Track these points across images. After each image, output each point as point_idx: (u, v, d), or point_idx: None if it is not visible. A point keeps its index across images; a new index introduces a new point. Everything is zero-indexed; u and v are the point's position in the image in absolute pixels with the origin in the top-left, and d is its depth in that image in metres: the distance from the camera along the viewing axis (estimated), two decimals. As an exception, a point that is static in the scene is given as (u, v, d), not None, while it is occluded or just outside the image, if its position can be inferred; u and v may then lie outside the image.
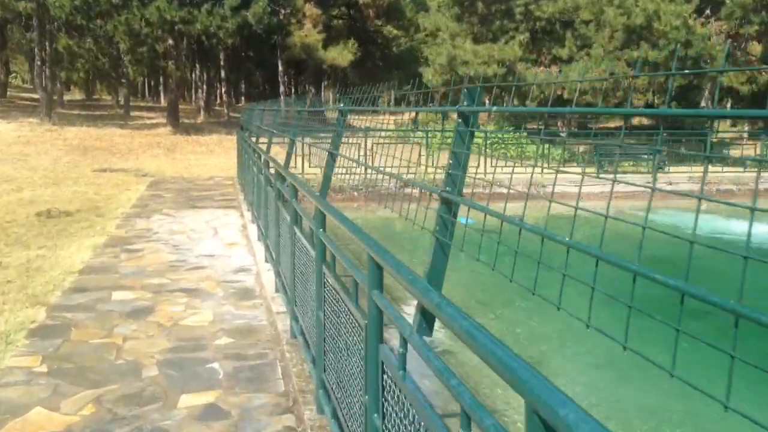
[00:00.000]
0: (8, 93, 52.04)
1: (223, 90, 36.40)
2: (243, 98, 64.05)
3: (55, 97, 44.02)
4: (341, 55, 31.78)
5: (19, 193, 12.64)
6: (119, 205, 11.47)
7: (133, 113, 40.82)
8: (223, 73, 35.03)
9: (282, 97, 35.58)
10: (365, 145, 16.92)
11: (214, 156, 20.65)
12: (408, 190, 5.02)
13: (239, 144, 15.30)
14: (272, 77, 58.83)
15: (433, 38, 34.18)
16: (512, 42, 25.86)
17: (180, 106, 50.49)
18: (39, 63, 25.22)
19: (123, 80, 25.71)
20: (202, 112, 36.07)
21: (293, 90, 50.47)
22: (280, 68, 34.61)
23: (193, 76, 50.25)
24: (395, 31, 40.97)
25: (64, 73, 23.54)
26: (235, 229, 9.37)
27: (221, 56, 30.76)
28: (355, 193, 16.48)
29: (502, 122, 28.78)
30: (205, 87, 36.38)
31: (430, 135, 19.49)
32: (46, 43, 24.72)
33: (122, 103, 38.19)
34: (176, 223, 9.60)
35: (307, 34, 31.48)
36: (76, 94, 66.18)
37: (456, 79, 24.87)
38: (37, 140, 21.39)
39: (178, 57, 24.76)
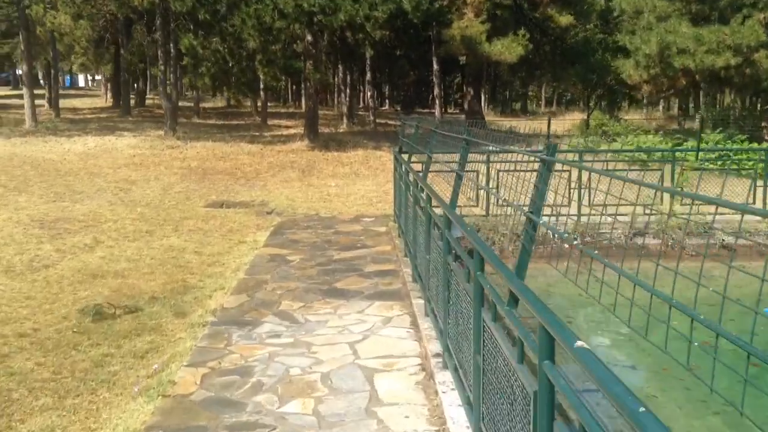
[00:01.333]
0: (149, 101, 52.39)
1: (368, 94, 32.62)
2: (387, 102, 60.91)
3: (190, 105, 43.00)
4: (509, 48, 26.87)
5: (91, 253, 9.08)
6: (220, 282, 7.52)
7: (271, 121, 38.45)
8: (368, 74, 31.19)
9: (437, 102, 31.26)
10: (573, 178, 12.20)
11: (360, 180, 16.57)
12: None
13: (397, 174, 10.94)
14: (422, 78, 55.03)
15: (632, 23, 28.48)
16: (750, 21, 19.56)
17: (320, 112, 47.93)
18: (162, 68, 22.58)
19: (255, 85, 22.43)
20: (344, 120, 32.60)
21: (450, 93, 46.15)
22: (435, 67, 30.25)
23: (335, 78, 47.46)
24: (568, 19, 35.35)
25: (187, 79, 20.49)
26: (406, 373, 4.86)
27: (367, 54, 26.83)
28: (566, 245, 11.46)
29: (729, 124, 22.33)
30: (348, 90, 32.88)
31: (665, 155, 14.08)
32: (171, 45, 22.00)
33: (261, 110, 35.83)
34: (298, 352, 5.38)
35: (468, 24, 26.91)
36: (219, 102, 66.45)
37: (672, 73, 19.35)
38: (153, 160, 18.47)
39: (317, 56, 21.09)
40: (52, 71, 35.60)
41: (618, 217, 10.38)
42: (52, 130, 27.35)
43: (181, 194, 14.50)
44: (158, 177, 16.39)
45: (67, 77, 78.83)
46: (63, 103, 47.85)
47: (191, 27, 21.16)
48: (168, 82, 23.33)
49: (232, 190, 15.18)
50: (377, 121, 32.16)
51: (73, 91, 71.95)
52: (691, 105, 53.49)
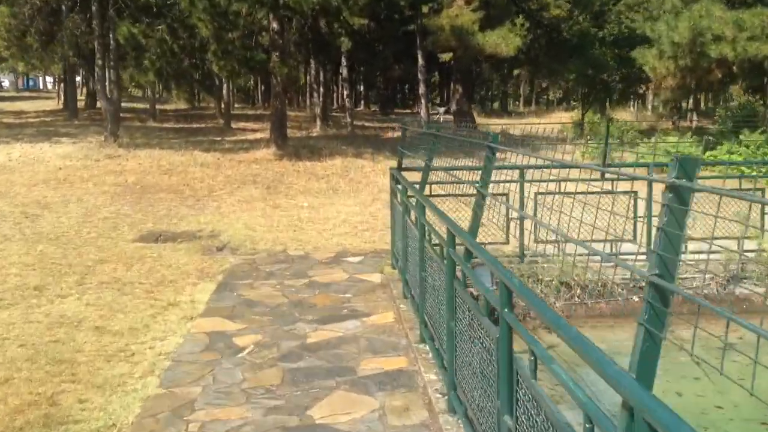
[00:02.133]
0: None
1: (344, 92, 29.58)
2: (363, 102, 57.84)
3: (146, 107, 39.51)
4: (505, 40, 24.03)
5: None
6: (112, 409, 4.57)
7: (236, 124, 35.28)
8: (344, 71, 28.06)
9: (423, 102, 28.30)
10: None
11: (339, 198, 13.58)
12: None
13: (397, 201, 7.97)
14: (401, 76, 52.01)
15: (647, 9, 25.90)
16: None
17: (290, 113, 44.71)
18: (100, 62, 19.28)
19: (212, 83, 19.10)
20: (318, 122, 29.48)
21: (438, 92, 42.93)
22: (420, 62, 27.27)
23: (307, 75, 44.26)
24: (564, 9, 32.72)
25: (127, 74, 17.24)
26: None
27: (343, 47, 23.67)
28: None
29: None
30: (321, 89, 29.76)
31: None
32: (110, 36, 18.70)
33: (224, 112, 32.63)
34: None
35: (458, 12, 24.01)
36: (181, 103, 62.97)
37: (706, 63, 16.71)
38: (82, 174, 15.25)
39: (284, 47, 17.99)
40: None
41: (707, 255, 7.49)
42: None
43: (106, 222, 11.30)
44: (83, 197, 13.16)
45: (27, 79, 74.41)
46: (8, 106, 44.19)
47: (132, 13, 17.93)
48: (109, 79, 20.03)
49: (176, 215, 12.01)
50: (354, 123, 29.12)
51: (29, 94, 67.80)
52: (686, 102, 51.37)
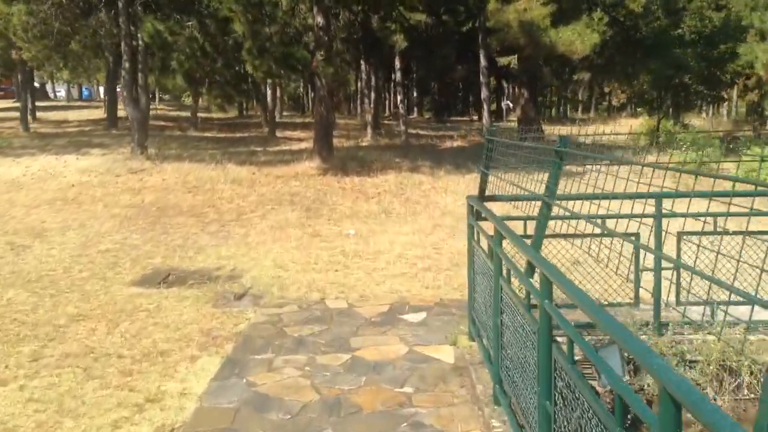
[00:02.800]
0: (157, 111, 47.53)
1: (397, 98, 27.37)
2: (416, 109, 55.53)
3: (186, 115, 38.03)
4: (581, 36, 21.40)
5: None
6: None
7: (282, 133, 33.52)
8: (398, 74, 25.78)
9: (485, 107, 25.81)
10: None
11: (393, 224, 11.33)
12: None
13: (480, 248, 5.54)
14: (461, 80, 49.51)
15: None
16: None
17: (339, 120, 42.77)
18: (126, 65, 17.51)
19: (245, 87, 17.08)
20: (368, 130, 27.31)
21: (503, 95, 40.03)
22: (482, 63, 24.83)
23: (358, 80, 42.19)
24: (638, 5, 29.82)
25: (152, 78, 15.35)
26: None
27: (397, 46, 21.40)
28: None
29: None
30: (372, 94, 27.60)
31: None
32: (138, 35, 16.89)
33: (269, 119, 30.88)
34: None
35: (526, 6, 21.48)
36: (232, 110, 61.89)
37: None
38: (94, 193, 13.42)
39: (330, 45, 15.84)
40: (20, 77, 30.94)
41: None
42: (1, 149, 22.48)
43: (105, 256, 9.26)
44: (86, 222, 11.20)
45: (81, 89, 74.58)
46: (54, 115, 43.51)
47: (160, 8, 16.09)
48: (136, 83, 18.24)
49: (193, 245, 9.91)
50: (408, 131, 26.83)
51: (81, 104, 67.77)
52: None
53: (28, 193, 13.77)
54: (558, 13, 21.99)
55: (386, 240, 10.24)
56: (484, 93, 25.77)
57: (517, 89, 27.30)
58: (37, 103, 57.91)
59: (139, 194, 13.48)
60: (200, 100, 68.05)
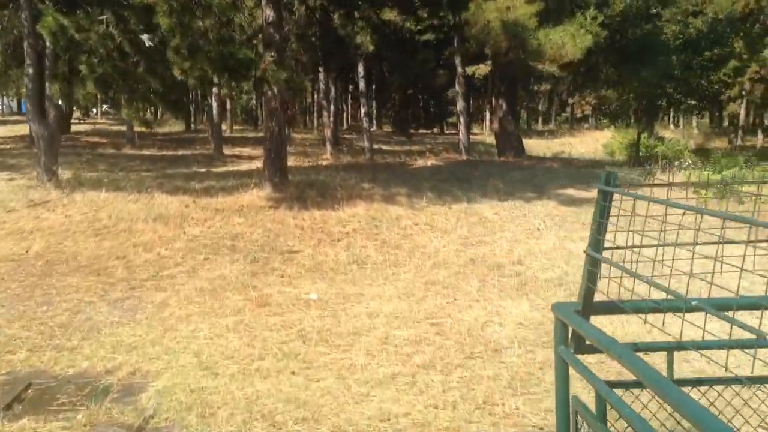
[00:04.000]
0: (80, 126, 43.76)
1: (360, 109, 24.58)
2: (375, 122, 52.77)
3: (123, 129, 34.54)
4: (574, 38, 18.91)
5: None
6: None
7: (232, 150, 30.41)
8: (361, 82, 22.91)
9: (462, 122, 23.13)
10: None
11: (369, 280, 8.63)
12: None
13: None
14: (427, 89, 46.86)
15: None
16: None
17: (295, 134, 39.74)
18: (29, 70, 14.32)
19: (174, 97, 13.92)
20: (328, 147, 24.38)
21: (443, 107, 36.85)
22: (459, 70, 22.16)
23: (314, 91, 39.24)
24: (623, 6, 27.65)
25: (55, 86, 12.20)
26: None
27: (365, 47, 18.46)
28: None
29: None
30: (332, 106, 24.73)
31: None
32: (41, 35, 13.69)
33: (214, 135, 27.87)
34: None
35: (510, 4, 18.90)
36: (177, 125, 58.32)
37: None
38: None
39: (282, 45, 12.96)
40: None
41: None
42: None
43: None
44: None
45: (21, 102, 69.62)
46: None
47: (66, 2, 13.01)
48: (43, 93, 15.02)
49: (80, 327, 6.88)
50: (373, 147, 24.01)
51: (17, 118, 63.04)
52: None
53: None
54: (544, 12, 19.52)
55: (363, 310, 7.35)
56: (460, 104, 23.09)
57: (494, 100, 24.75)
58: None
59: (28, 239, 10.31)
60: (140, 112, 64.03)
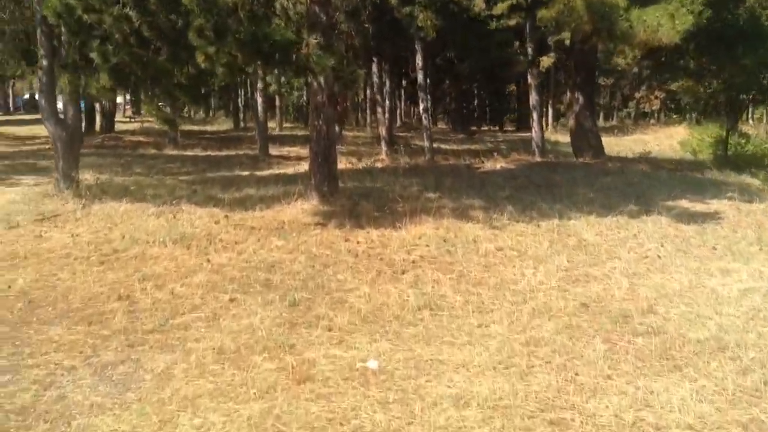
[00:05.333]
0: (126, 125, 42.66)
1: (420, 105, 22.36)
2: (429, 118, 50.31)
3: (200, 129, 32.98)
4: (672, 20, 16.31)
5: None
6: None
7: (280, 150, 28.56)
8: (419, 74, 20.65)
9: (535, 118, 20.70)
10: None
11: (450, 342, 6.31)
12: None
13: None
14: (488, 83, 44.25)
15: None
16: None
17: (345, 132, 37.75)
18: (44, 62, 12.61)
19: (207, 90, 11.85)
20: (383, 146, 22.23)
21: (501, 103, 34.01)
22: (531, 54, 19.66)
23: (367, 86, 37.11)
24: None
25: (64, 78, 10.35)
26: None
27: (426, 32, 16.14)
28: None
29: None
30: (387, 101, 22.57)
31: None
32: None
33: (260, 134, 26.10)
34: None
35: (594, -19, 16.39)
36: (226, 123, 57.12)
37: None
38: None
39: (330, 27, 10.91)
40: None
41: None
42: None
43: None
44: None
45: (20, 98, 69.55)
46: (22, 131, 38.70)
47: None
48: (66, 89, 13.26)
49: (47, 413, 4.97)
50: (434, 147, 21.74)
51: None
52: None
53: None
54: (635, -10, 16.94)
55: (445, 391, 5.17)
56: (533, 98, 20.58)
57: (569, 93, 22.22)
58: (21, 117, 53.50)
59: (17, 268, 8.42)
60: (192, 110, 63.24)
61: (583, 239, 9.50)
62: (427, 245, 9.24)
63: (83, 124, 36.66)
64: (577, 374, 5.45)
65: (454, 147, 27.79)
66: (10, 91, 64.82)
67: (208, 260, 8.58)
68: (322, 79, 11.40)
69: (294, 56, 9.36)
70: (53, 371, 5.68)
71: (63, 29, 12.32)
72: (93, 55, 10.59)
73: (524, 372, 5.51)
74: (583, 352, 5.89)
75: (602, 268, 8.27)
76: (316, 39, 9.87)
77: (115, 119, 41.17)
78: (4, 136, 37.10)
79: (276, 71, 26.24)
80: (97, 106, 39.18)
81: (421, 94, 21.54)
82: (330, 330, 6.49)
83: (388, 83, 23.88)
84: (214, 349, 6.05)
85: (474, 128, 40.97)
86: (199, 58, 8.91)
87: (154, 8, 10.49)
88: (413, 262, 8.59)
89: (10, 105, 65.02)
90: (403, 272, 8.20)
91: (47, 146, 29.36)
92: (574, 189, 13.31)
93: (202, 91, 10.24)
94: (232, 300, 7.28)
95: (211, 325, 6.65)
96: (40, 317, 6.83)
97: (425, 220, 10.37)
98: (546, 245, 9.19)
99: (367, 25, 17.58)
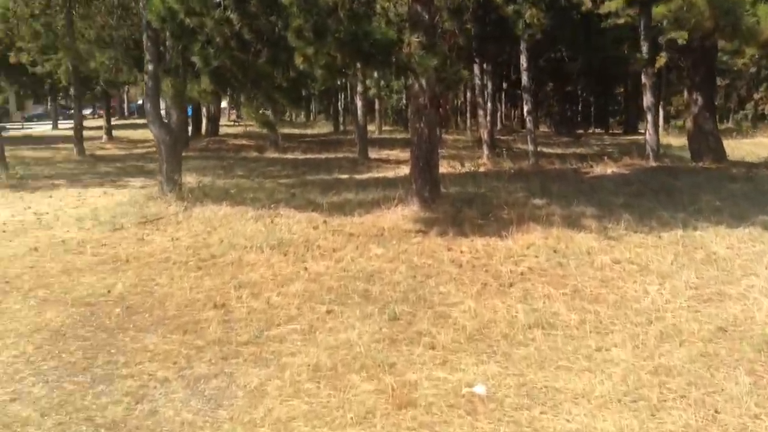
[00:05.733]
0: (231, 128, 43.78)
1: (524, 107, 21.60)
2: (529, 121, 49.03)
3: (299, 132, 33.49)
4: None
5: None
6: None
7: (379, 153, 28.48)
8: (524, 75, 19.89)
9: (649, 119, 19.52)
10: None
11: (566, 367, 5.85)
12: None
13: None
14: (603, 80, 42.62)
15: None
16: None
17: (446, 135, 37.22)
18: (150, 66, 12.82)
19: (298, 94, 11.51)
20: (485, 150, 21.62)
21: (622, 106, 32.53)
22: (645, 53, 18.47)
23: (469, 89, 36.56)
24: None
25: (167, 83, 10.39)
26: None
27: (533, 29, 15.39)
28: None
29: None
30: (488, 104, 21.92)
31: None
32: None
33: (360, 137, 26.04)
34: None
35: (716, -28, 15.18)
36: (326, 126, 57.90)
37: None
38: (63, 260, 8.53)
39: (432, 26, 10.49)
40: (72, 91, 27.49)
41: None
42: (16, 181, 18.51)
43: None
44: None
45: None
46: (135, 134, 40.48)
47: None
48: (168, 93, 13.46)
49: (138, 429, 4.63)
50: (538, 150, 20.90)
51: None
52: None
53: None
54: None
55: (563, 427, 4.59)
56: (648, 99, 19.37)
57: (687, 93, 20.86)
58: (135, 121, 56.18)
59: (118, 272, 8.42)
60: (293, 114, 64.25)
61: (712, 252, 8.60)
62: (536, 256, 8.61)
63: (190, 128, 37.92)
64: (717, 411, 4.74)
65: (559, 150, 26.75)
66: (125, 97, 68.24)
67: (305, 268, 8.30)
68: (424, 81, 10.98)
69: (395, 57, 8.95)
70: (146, 383, 5.49)
71: (167, 34, 12.50)
72: (194, 58, 10.61)
73: (655, 407, 4.85)
74: (723, 385, 5.15)
75: (737, 287, 7.39)
76: (418, 38, 9.45)
77: (220, 123, 42.38)
78: (118, 140, 38.83)
79: (375, 74, 26.05)
80: (204, 110, 40.49)
81: (525, 96, 20.76)
82: (433, 348, 6.02)
83: (489, 85, 23.20)
84: (309, 365, 5.70)
85: (579, 131, 39.46)
86: (298, 60, 8.66)
87: (254, 10, 10.38)
88: (521, 274, 7.99)
89: (125, 110, 68.43)
90: (511, 285, 7.62)
91: (155, 149, 30.44)
92: (698, 196, 12.27)
93: (302, 94, 9.99)
94: (329, 312, 6.93)
95: (307, 338, 6.32)
96: (137, 324, 6.71)
97: (533, 228, 9.73)
98: (670, 259, 8.36)
99: (469, 25, 17.03)
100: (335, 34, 8.40)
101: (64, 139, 31.25)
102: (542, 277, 7.86)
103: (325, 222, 10.67)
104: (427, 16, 11.02)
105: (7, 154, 25.74)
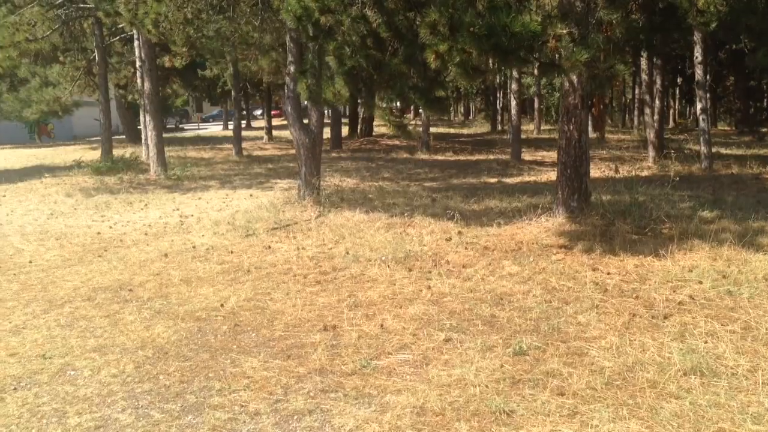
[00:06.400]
0: (383, 128, 43.98)
1: (697, 105, 19.61)
2: (701, 118, 45.01)
3: (454, 131, 33.07)
4: None
5: None
6: None
7: (534, 155, 27.40)
8: (698, 69, 17.91)
9: None
10: None
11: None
12: None
13: None
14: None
15: None
16: None
17: (609, 134, 34.98)
18: (291, 68, 12.74)
19: (448, 92, 10.80)
20: (651, 152, 19.76)
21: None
22: None
23: (634, 81, 34.26)
24: None
25: (302, 83, 10.08)
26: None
27: (709, 19, 13.58)
28: None
29: None
30: (656, 101, 19.98)
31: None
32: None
33: (512, 139, 25.10)
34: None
35: None
36: (482, 126, 57.09)
37: None
38: (190, 269, 8.41)
39: (584, 17, 9.44)
40: (233, 93, 28.64)
41: None
42: (172, 182, 19.33)
43: None
44: (95, 355, 6.04)
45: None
46: (290, 135, 41.91)
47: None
48: (304, 95, 13.32)
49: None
50: (711, 152, 18.78)
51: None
52: None
53: (107, 262, 9.22)
54: None
55: None
56: None
57: None
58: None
59: (235, 283, 8.16)
60: (456, 112, 63.64)
61: None
62: (700, 282, 7.34)
63: (346, 129, 38.46)
64: None
65: (739, 152, 24.14)
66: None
67: (429, 287, 7.59)
68: (574, 78, 9.89)
69: (537, 52, 8.01)
70: (236, 415, 5.03)
71: (302, 34, 12.27)
72: (328, 59, 10.25)
73: None
74: None
75: None
76: (567, 29, 8.41)
77: (374, 123, 42.74)
78: (278, 140, 40.21)
79: (514, 72, 24.82)
80: (360, 111, 41.03)
81: (699, 92, 18.72)
82: (561, 395, 5.10)
83: (659, 81, 21.24)
84: (414, 407, 4.99)
85: (764, 129, 35.62)
86: (430, 58, 7.96)
87: (392, 6, 9.84)
88: (680, 303, 6.79)
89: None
90: (666, 318, 6.47)
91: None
92: None
93: (446, 95, 9.24)
94: (447, 340, 6.18)
95: (418, 372, 5.61)
96: (241, 344, 6.33)
97: (698, 246, 8.39)
98: None
99: (634, 15, 15.54)
100: (470, 28, 7.60)
101: (230, 139, 32.70)
102: (705, 309, 6.62)
103: (459, 233, 9.90)
104: (580, 5, 9.92)
105: (172, 154, 27.30)
